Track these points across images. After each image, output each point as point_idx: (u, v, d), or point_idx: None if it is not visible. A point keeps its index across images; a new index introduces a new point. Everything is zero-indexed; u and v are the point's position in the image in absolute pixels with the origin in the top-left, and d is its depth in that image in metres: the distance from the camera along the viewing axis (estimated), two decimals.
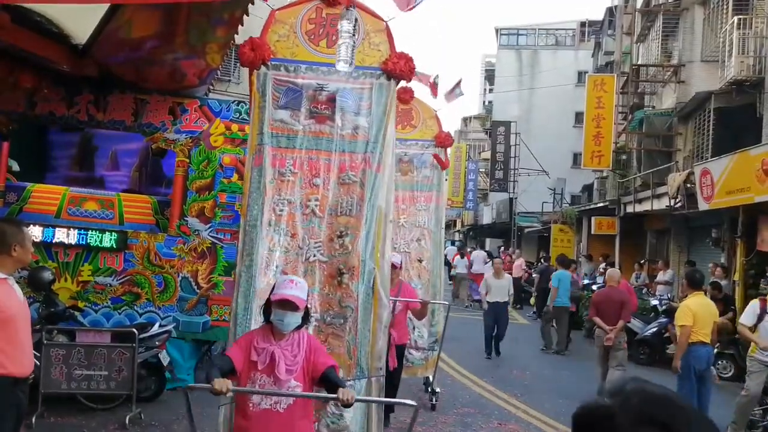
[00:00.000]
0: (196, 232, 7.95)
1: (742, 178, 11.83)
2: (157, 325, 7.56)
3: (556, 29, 41.85)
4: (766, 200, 11.09)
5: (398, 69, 5.13)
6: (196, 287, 7.95)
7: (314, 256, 4.91)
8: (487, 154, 38.62)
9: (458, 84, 10.06)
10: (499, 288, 12.27)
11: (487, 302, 12.19)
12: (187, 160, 8.01)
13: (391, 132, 5.20)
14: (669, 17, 19.77)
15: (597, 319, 8.98)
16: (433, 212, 9.03)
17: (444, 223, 9.45)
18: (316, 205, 4.95)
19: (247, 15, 5.93)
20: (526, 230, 33.08)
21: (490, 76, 50.58)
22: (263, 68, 4.95)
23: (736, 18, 15.13)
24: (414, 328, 8.59)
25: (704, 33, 18.15)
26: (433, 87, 9.40)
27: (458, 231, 54.87)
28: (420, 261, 8.84)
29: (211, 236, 7.95)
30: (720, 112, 15.96)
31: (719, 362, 11.06)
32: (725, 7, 16.01)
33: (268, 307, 3.71)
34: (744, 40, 15.11)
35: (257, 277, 4.79)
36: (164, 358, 7.50)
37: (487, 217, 40.02)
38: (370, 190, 5.02)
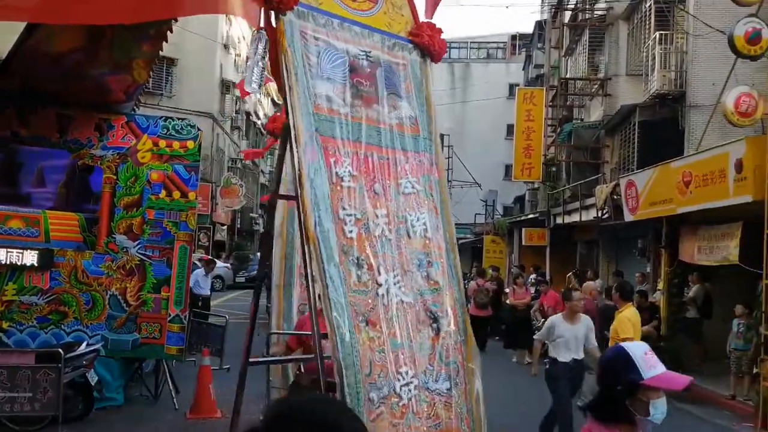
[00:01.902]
0: (125, 249, 7.79)
1: (664, 190, 12.31)
2: (84, 344, 7.36)
3: (488, 42, 42.81)
4: (688, 211, 11.57)
5: (435, 44, 4.19)
6: (125, 305, 7.78)
7: (396, 296, 3.57)
8: None
9: None
10: (574, 337, 7.34)
11: (556, 362, 7.26)
12: (115, 177, 7.85)
13: (436, 126, 4.30)
14: (595, 32, 20.47)
15: None
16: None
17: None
18: (385, 223, 3.66)
19: (171, 32, 5.89)
20: (460, 241, 33.49)
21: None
22: (290, 15, 3.50)
23: (657, 33, 15.81)
24: None
25: (629, 47, 18.86)
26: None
27: None
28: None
29: (139, 253, 7.80)
30: (644, 124, 16.58)
31: None
32: (648, 22, 16.69)
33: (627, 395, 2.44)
34: (666, 55, 15.79)
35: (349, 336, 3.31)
36: (92, 378, 7.32)
37: None
38: (440, 202, 4.07)
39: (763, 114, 10.23)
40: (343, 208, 3.50)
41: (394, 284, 3.59)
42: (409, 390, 3.43)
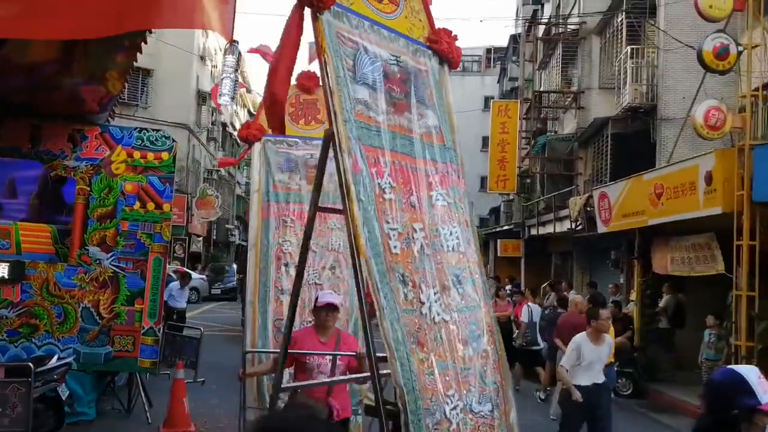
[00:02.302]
0: (98, 261, 7.71)
1: (636, 202, 12.49)
2: (55, 357, 7.25)
3: (463, 55, 43.02)
4: (660, 223, 11.74)
5: (454, 51, 4.20)
6: (97, 317, 7.69)
7: (438, 314, 3.38)
8: None
9: None
10: (598, 359, 6.82)
11: (574, 387, 6.64)
12: (88, 188, 7.78)
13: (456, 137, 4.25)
14: (568, 45, 20.75)
15: (558, 341, 9.67)
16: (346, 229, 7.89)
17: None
18: (423, 237, 3.50)
19: (146, 42, 5.87)
20: None
21: None
22: (327, 14, 3.33)
23: (629, 48, 16.07)
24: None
25: (601, 61, 19.15)
26: None
27: None
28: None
29: (113, 265, 7.72)
30: (617, 137, 16.82)
31: (620, 380, 11.56)
32: (619, 37, 16.97)
33: None
34: (637, 69, 16.06)
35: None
36: (63, 392, 7.22)
37: None
38: (469, 215, 4.03)
39: (732, 127, 10.43)
40: (387, 222, 3.32)
41: (435, 302, 3.40)
42: (456, 414, 3.27)
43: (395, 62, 3.75)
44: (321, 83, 3.45)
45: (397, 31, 3.86)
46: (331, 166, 7.23)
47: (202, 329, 10.40)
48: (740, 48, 10.24)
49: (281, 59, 3.26)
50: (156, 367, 7.97)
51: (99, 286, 7.69)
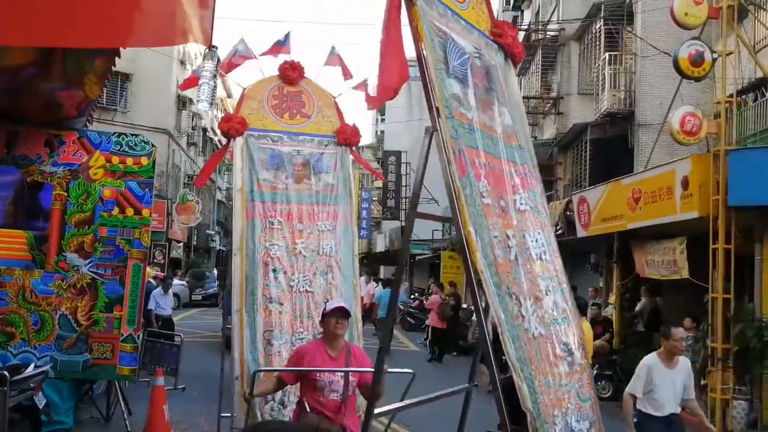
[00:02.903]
0: (75, 268, 7.63)
1: (615, 206, 12.61)
2: (32, 365, 7.14)
3: None
4: (638, 227, 11.87)
5: (517, 46, 4.14)
6: (75, 325, 7.60)
7: (535, 328, 3.25)
8: (380, 183, 39.15)
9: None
10: (671, 385, 5.79)
11: (649, 418, 5.77)
12: (65, 194, 7.71)
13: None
14: (547, 51, 20.91)
15: None
16: (340, 234, 6.77)
17: (357, 249, 7.11)
18: (515, 245, 3.36)
19: (124, 46, 5.84)
20: (418, 257, 33.69)
21: (383, 107, 51.49)
22: (420, 1, 3.88)
23: (607, 54, 16.25)
24: None
25: (580, 67, 19.32)
26: (344, 66, 7.38)
27: None
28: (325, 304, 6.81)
29: (91, 271, 7.65)
30: (596, 142, 16.98)
31: (598, 383, 11.66)
32: (598, 43, 17.14)
33: None
34: (615, 75, 16.23)
35: None
36: (40, 401, 7.11)
37: (380, 245, 40.46)
38: (548, 219, 3.99)
39: (708, 133, 10.57)
40: (489, 229, 3.08)
41: (532, 315, 3.16)
42: None
43: (478, 55, 3.53)
44: (410, 76, 3.25)
45: (470, 22, 3.63)
46: (324, 164, 7.06)
47: (182, 336, 10.33)
48: (715, 55, 10.39)
49: (388, 49, 3.10)
50: (135, 374, 7.91)
51: (77, 293, 7.61)
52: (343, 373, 4.46)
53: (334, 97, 7.14)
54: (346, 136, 6.98)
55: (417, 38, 3.06)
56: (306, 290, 6.47)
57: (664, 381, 5.70)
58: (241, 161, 6.50)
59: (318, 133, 6.93)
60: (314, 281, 6.54)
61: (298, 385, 4.76)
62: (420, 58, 3.10)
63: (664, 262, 11.48)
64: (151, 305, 12.67)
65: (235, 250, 6.35)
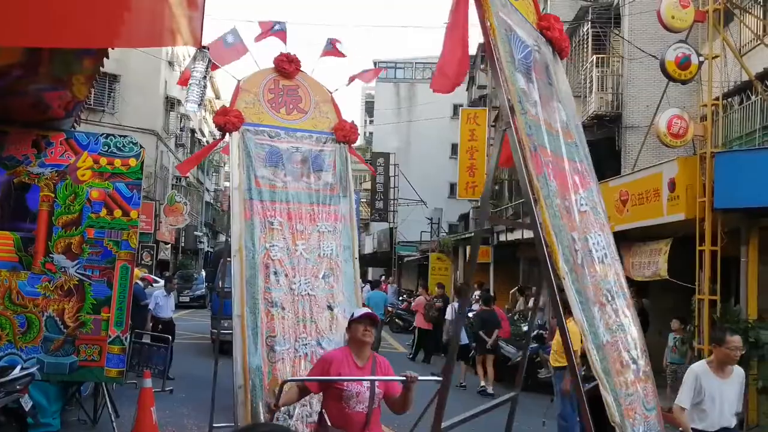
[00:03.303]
0: (63, 269, 7.58)
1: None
2: (18, 368, 7.10)
3: (432, 63, 43.36)
4: (625, 229, 11.93)
5: (565, 40, 4.02)
6: (62, 326, 7.55)
7: (603, 335, 3.11)
8: (368, 185, 39.19)
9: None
10: (721, 396, 5.22)
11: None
12: (53, 195, 7.66)
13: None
14: None
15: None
16: (340, 235, 6.50)
17: (357, 251, 6.82)
18: (581, 248, 3.20)
19: (113, 48, 5.81)
20: (406, 259, 33.75)
21: (369, 108, 51.61)
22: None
23: (594, 57, 16.35)
24: None
25: (567, 70, 19.41)
26: (336, 49, 7.05)
27: None
28: (330, 308, 6.24)
29: (78, 273, 7.60)
30: None
31: (586, 384, 11.70)
32: (585, 46, 17.25)
33: None
34: (603, 78, 16.34)
35: None
36: (26, 403, 7.05)
37: (368, 246, 40.48)
38: (606, 220, 3.83)
39: (694, 135, 10.66)
40: (567, 232, 2.94)
41: (599, 321, 2.98)
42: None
43: (537, 48, 3.38)
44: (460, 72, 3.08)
45: (522, 14, 3.46)
46: (323, 162, 6.56)
47: (170, 337, 10.29)
48: (701, 58, 10.48)
49: (453, 40, 3.00)
50: (123, 376, 7.87)
51: (64, 295, 7.56)
52: (369, 384, 4.23)
53: (330, 93, 6.86)
54: (345, 133, 6.72)
55: (487, 30, 2.90)
56: (308, 293, 6.10)
57: (714, 392, 5.10)
58: (238, 157, 6.09)
59: (315, 129, 6.62)
60: (316, 284, 6.16)
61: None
62: (491, 52, 2.94)
63: (647, 264, 11.56)
64: (151, 306, 12.42)
65: (234, 252, 5.91)
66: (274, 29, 6.63)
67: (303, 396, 4.54)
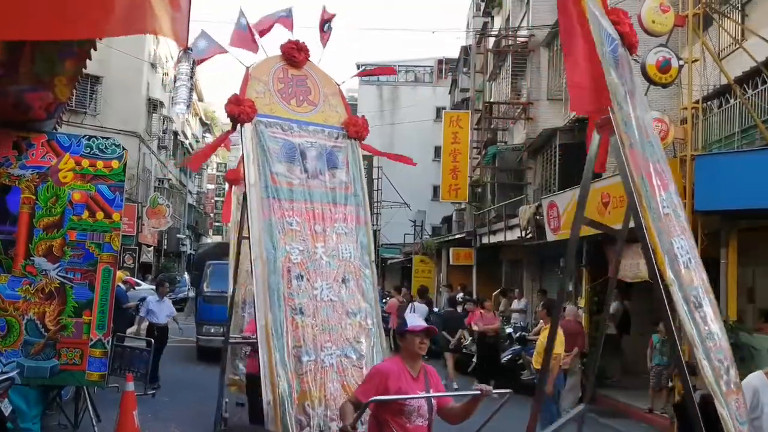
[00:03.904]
0: (44, 272, 7.51)
1: (585, 211, 12.75)
2: None
3: (415, 66, 43.51)
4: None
5: (634, 35, 3.98)
6: (43, 330, 7.48)
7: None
8: None
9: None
10: None
11: None
12: (34, 197, 7.59)
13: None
14: (517, 58, 21.14)
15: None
16: (355, 236, 6.05)
17: (373, 254, 6.38)
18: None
19: (95, 49, 5.79)
20: (389, 261, 33.77)
21: (352, 110, 51.55)
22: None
23: None
24: None
25: (549, 73, 19.56)
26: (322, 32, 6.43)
27: None
28: (353, 315, 5.80)
29: (59, 276, 7.54)
30: (565, 147, 17.17)
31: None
32: None
33: None
34: None
35: None
36: (5, 408, 6.96)
37: None
38: (686, 222, 3.68)
39: (675, 138, 10.78)
40: (666, 235, 2.84)
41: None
42: None
43: (620, 42, 3.31)
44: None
45: (599, 7, 3.34)
46: (337, 159, 6.11)
47: (153, 340, 10.23)
48: (681, 62, 10.60)
49: (574, 44, 2.87)
50: (104, 380, 7.81)
51: (45, 298, 7.50)
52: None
53: (338, 85, 6.40)
54: (358, 129, 6.25)
55: (583, 19, 2.82)
56: (330, 299, 5.65)
57: None
58: (252, 152, 5.55)
59: (326, 123, 6.14)
60: (338, 289, 5.75)
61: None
62: (588, 42, 2.85)
63: (629, 266, 11.67)
64: (142, 312, 12.17)
65: (255, 256, 5.34)
66: (279, 16, 6.19)
67: (358, 408, 4.21)
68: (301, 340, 5.30)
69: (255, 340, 6.79)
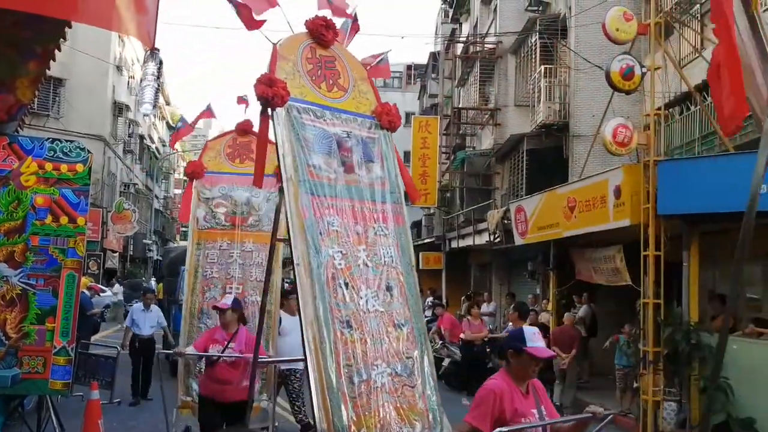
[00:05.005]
0: (5, 279, 7.36)
1: (551, 215, 12.92)
2: None
3: (392, 70, 43.59)
4: (574, 235, 12.19)
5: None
6: (4, 338, 7.33)
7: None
8: None
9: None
10: None
11: None
12: None
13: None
14: (485, 64, 21.34)
15: (555, 348, 11.18)
16: (395, 238, 5.41)
17: (413, 256, 5.74)
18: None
19: (60, 50, 5.71)
20: None
21: None
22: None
23: (542, 67, 16.68)
24: None
25: (516, 80, 19.78)
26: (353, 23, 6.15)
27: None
28: (400, 327, 5.06)
29: (21, 282, 7.39)
30: (532, 153, 17.38)
31: None
32: (533, 56, 17.59)
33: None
34: (550, 88, 16.68)
35: None
36: None
37: None
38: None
39: (638, 144, 10.96)
40: None
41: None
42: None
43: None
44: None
45: None
46: (372, 151, 5.39)
47: (119, 348, 10.08)
48: (644, 69, 10.80)
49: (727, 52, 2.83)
50: (69, 388, 7.67)
51: (6, 305, 7.34)
52: (539, 415, 3.86)
53: (366, 69, 5.74)
54: (392, 119, 5.57)
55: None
56: (376, 309, 4.95)
57: None
58: (288, 141, 4.85)
59: (358, 111, 5.46)
60: (383, 298, 5.07)
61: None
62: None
63: (608, 270, 11.84)
64: (128, 323, 11.54)
65: (299, 261, 4.63)
66: None
67: None
68: (351, 357, 4.60)
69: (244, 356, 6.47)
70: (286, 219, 4.63)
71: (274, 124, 4.80)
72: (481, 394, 3.85)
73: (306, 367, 4.27)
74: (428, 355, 5.01)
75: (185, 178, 8.49)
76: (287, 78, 4.82)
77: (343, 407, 4.31)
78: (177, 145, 41.67)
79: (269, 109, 4.69)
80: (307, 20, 5.25)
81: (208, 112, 9.42)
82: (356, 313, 4.76)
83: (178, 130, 10.72)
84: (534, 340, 3.83)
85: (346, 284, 4.75)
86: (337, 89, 5.29)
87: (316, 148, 4.95)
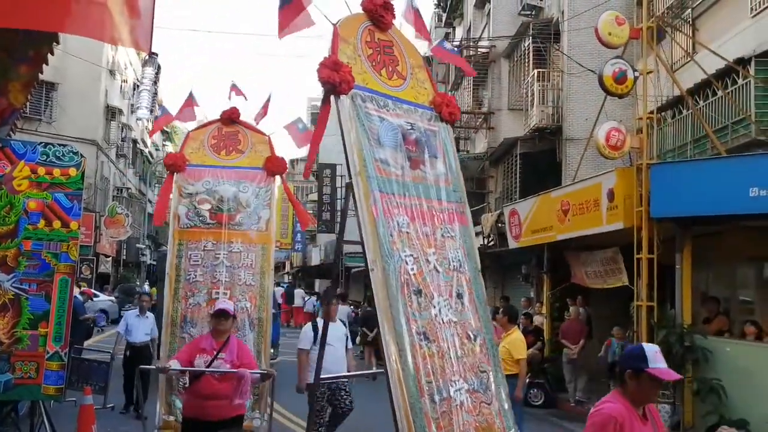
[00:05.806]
0: None
1: (545, 218, 12.95)
2: None
3: None
4: (567, 238, 12.22)
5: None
6: None
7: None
8: (315, 196, 39.05)
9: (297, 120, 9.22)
10: None
11: None
12: None
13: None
14: (479, 68, 21.35)
15: (564, 341, 12.25)
16: (461, 240, 4.85)
17: (479, 260, 5.24)
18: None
19: (52, 54, 5.70)
20: (353, 270, 33.69)
21: (315, 118, 51.49)
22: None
23: (536, 71, 16.74)
24: None
25: (510, 84, 19.83)
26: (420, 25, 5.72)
27: (287, 273, 54.72)
28: (470, 338, 4.56)
29: (14, 287, 7.36)
30: (526, 156, 17.42)
31: (531, 390, 11.94)
32: (527, 60, 17.64)
33: None
34: (543, 92, 16.73)
35: None
36: None
37: (315, 258, 40.30)
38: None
39: (631, 147, 11.01)
40: None
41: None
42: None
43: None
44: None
45: None
46: (436, 146, 4.87)
47: (112, 353, 10.04)
48: (636, 73, 10.86)
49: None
50: (62, 393, 7.64)
51: None
52: None
53: (422, 57, 5.25)
54: (452, 110, 5.13)
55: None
56: (450, 320, 4.44)
57: None
58: (355, 132, 4.26)
59: (417, 101, 4.95)
60: (454, 307, 4.56)
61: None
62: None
63: (605, 272, 11.85)
64: (120, 329, 10.56)
65: (372, 263, 4.12)
66: None
67: None
68: (431, 373, 4.12)
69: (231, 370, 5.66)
70: (357, 219, 4.17)
71: (339, 112, 4.25)
72: (600, 421, 3.40)
73: (387, 384, 3.79)
74: (501, 370, 4.66)
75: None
76: (349, 62, 4.30)
77: (426, 429, 3.86)
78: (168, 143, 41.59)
79: (332, 96, 4.21)
80: (364, 1, 4.70)
81: (189, 101, 8.79)
82: (431, 324, 4.31)
83: (157, 118, 10.42)
84: (656, 360, 3.36)
85: (419, 291, 4.29)
86: (397, 77, 4.82)
87: (383, 140, 4.45)
